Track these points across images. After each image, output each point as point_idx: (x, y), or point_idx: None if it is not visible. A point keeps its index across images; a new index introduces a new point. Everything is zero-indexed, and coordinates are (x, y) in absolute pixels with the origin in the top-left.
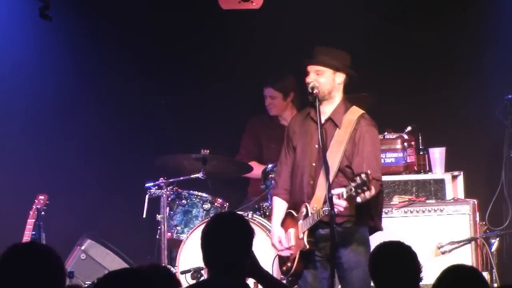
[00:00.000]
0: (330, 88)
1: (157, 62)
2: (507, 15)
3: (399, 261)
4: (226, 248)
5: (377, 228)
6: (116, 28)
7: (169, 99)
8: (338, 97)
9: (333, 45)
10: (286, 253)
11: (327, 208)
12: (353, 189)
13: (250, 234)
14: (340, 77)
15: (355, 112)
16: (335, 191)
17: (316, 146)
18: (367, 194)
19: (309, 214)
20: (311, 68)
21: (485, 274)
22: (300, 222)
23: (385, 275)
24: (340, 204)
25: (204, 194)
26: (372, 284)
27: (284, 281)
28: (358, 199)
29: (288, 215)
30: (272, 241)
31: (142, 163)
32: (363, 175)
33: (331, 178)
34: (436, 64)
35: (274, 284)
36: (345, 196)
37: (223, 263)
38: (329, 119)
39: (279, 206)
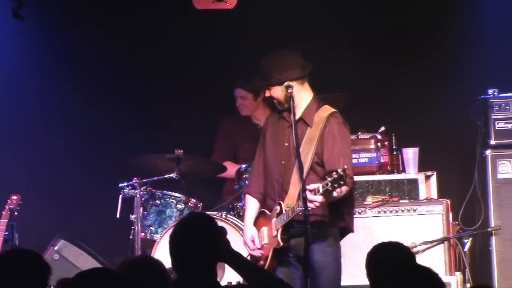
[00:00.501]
0: (285, 97)
1: (130, 62)
2: (481, 16)
3: (398, 261)
4: (193, 252)
5: (348, 229)
6: (90, 28)
7: (142, 99)
8: (306, 97)
9: (307, 45)
10: (257, 253)
11: (300, 208)
12: (330, 183)
13: (218, 234)
14: (287, 83)
15: (326, 110)
16: (311, 186)
17: (286, 144)
18: (344, 189)
19: (283, 212)
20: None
21: (458, 274)
22: (274, 219)
23: (383, 275)
24: (316, 200)
25: (178, 194)
26: (342, 282)
27: None
28: (334, 194)
29: (260, 214)
30: (244, 240)
31: (116, 163)
32: (339, 170)
33: (304, 175)
34: (409, 65)
35: (248, 267)
36: (321, 191)
37: (190, 267)
38: (300, 119)
39: (252, 204)
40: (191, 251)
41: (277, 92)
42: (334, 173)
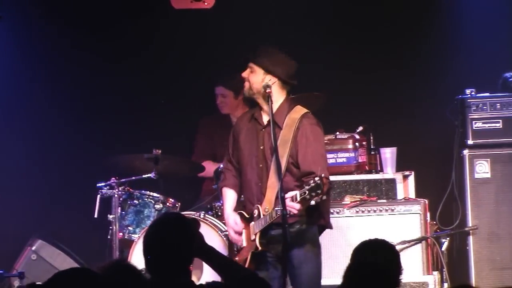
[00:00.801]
0: (258, 87)
1: (109, 61)
2: (460, 17)
3: (382, 258)
4: (166, 253)
5: (327, 226)
6: (65, 28)
7: (121, 98)
8: (279, 98)
9: (285, 45)
10: (240, 238)
11: (279, 208)
12: (307, 192)
13: (191, 234)
14: (272, 79)
15: (298, 111)
16: (289, 194)
17: (262, 147)
18: (321, 198)
19: (261, 216)
20: (248, 66)
21: (436, 274)
22: (252, 223)
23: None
24: (294, 207)
25: (156, 194)
26: (322, 281)
27: None
28: (312, 203)
29: (239, 215)
30: (227, 224)
31: (94, 163)
32: (317, 179)
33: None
34: (387, 64)
35: (222, 261)
36: (298, 199)
37: (164, 267)
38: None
39: (230, 195)
40: (164, 252)
41: (257, 77)
42: (312, 181)
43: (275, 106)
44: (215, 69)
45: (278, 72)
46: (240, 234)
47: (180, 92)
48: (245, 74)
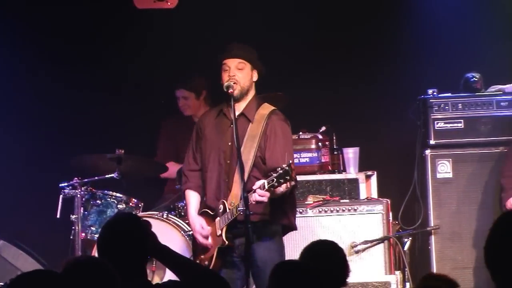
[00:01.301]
0: (249, 84)
1: (71, 61)
2: (421, 17)
3: (329, 260)
4: (121, 254)
5: (291, 226)
6: (26, 27)
7: (83, 98)
8: (251, 94)
9: (250, 44)
10: (208, 242)
11: (242, 208)
12: (275, 179)
13: (144, 234)
14: (255, 75)
15: (267, 107)
16: (256, 183)
17: (230, 143)
18: (290, 184)
19: (227, 210)
20: (232, 63)
21: (398, 273)
22: (218, 219)
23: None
24: (264, 195)
25: (119, 194)
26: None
27: None
28: (281, 189)
29: (203, 214)
30: (194, 229)
31: (57, 163)
32: (284, 165)
33: (246, 173)
34: (349, 64)
35: (178, 260)
36: (266, 187)
37: (119, 269)
38: (242, 114)
39: (193, 197)
40: (118, 253)
41: (247, 74)
42: (279, 168)
43: (245, 103)
44: (178, 69)
45: (260, 67)
46: (207, 238)
47: (143, 92)
48: (231, 73)
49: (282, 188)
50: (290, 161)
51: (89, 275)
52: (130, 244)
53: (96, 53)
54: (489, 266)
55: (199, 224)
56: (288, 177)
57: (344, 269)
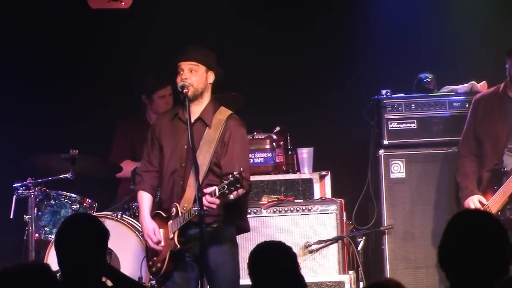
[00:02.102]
0: (203, 86)
1: (24, 61)
2: (375, 17)
3: (278, 260)
4: (78, 254)
5: (244, 228)
6: None
7: (37, 97)
8: (207, 97)
9: (203, 45)
10: (159, 247)
11: (196, 208)
12: (226, 186)
13: (103, 236)
14: (211, 77)
15: (224, 112)
16: (208, 189)
17: (185, 146)
18: (240, 192)
19: (179, 214)
20: (185, 65)
21: (351, 273)
22: (170, 222)
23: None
24: (214, 202)
25: (73, 195)
26: (241, 283)
27: (154, 282)
28: (231, 197)
29: (156, 216)
30: (146, 233)
31: (10, 163)
32: (235, 173)
33: (201, 177)
34: (304, 64)
35: (124, 279)
36: (217, 194)
37: (75, 269)
38: (199, 118)
39: (146, 199)
40: (75, 252)
41: (201, 76)
42: (230, 175)
43: (202, 106)
44: (133, 70)
45: (216, 69)
46: (158, 243)
47: (98, 92)
48: (184, 76)
49: (233, 196)
50: (242, 169)
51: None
52: (86, 241)
53: (50, 53)
54: (443, 265)
55: (152, 229)
56: (238, 185)
57: (294, 267)
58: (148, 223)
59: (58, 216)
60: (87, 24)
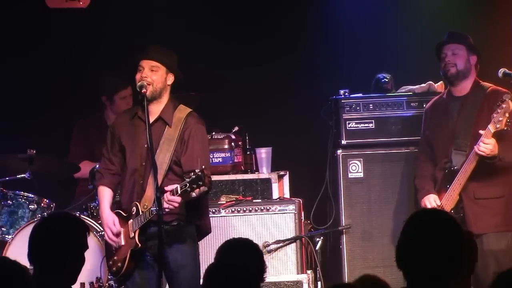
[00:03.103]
0: (162, 86)
1: None
2: (334, 18)
3: (245, 257)
4: (63, 250)
5: (205, 228)
6: None
7: None
8: (166, 96)
9: (162, 45)
10: (117, 239)
11: (155, 208)
12: (188, 184)
13: (85, 232)
14: (171, 78)
15: (183, 110)
16: (169, 187)
17: (146, 146)
18: (202, 189)
19: (140, 213)
20: (146, 64)
21: (310, 272)
22: (131, 221)
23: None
24: (175, 200)
25: (30, 195)
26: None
27: (112, 282)
28: (193, 195)
29: (116, 215)
30: (105, 224)
31: None
32: (197, 171)
33: (161, 176)
34: (262, 64)
35: None
36: (179, 192)
37: (58, 265)
38: (159, 118)
39: (107, 194)
40: (63, 248)
41: (161, 76)
42: (192, 173)
43: (161, 106)
44: (89, 69)
45: (176, 71)
46: (118, 235)
47: (56, 92)
48: (144, 74)
49: (195, 194)
50: (204, 166)
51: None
52: (65, 239)
53: (7, 52)
54: (400, 265)
55: (111, 220)
56: (200, 183)
57: (261, 265)
58: (108, 215)
59: (15, 216)
60: (44, 22)
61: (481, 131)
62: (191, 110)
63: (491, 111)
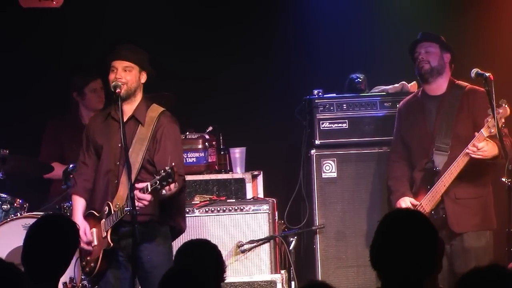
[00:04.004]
0: (136, 85)
1: None
2: (307, 18)
3: (203, 259)
4: (49, 258)
5: (179, 228)
6: None
7: None
8: (139, 95)
9: (137, 44)
10: (89, 247)
11: (128, 208)
12: (158, 182)
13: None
14: (144, 76)
15: (156, 109)
16: (139, 185)
17: (119, 145)
18: (172, 187)
19: (112, 212)
20: (119, 64)
21: (283, 272)
22: (103, 221)
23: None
24: (145, 198)
25: (3, 195)
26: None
27: (86, 282)
28: (164, 192)
29: (89, 216)
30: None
31: None
32: (167, 168)
33: (134, 175)
34: (236, 64)
35: None
36: (149, 189)
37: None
38: (132, 117)
39: (79, 203)
40: (49, 256)
41: (135, 76)
42: (162, 171)
43: (134, 105)
44: (65, 69)
45: (149, 69)
46: (90, 243)
47: (28, 91)
48: (117, 75)
49: (165, 191)
50: (173, 164)
51: None
52: (58, 250)
53: None
54: (374, 265)
55: (82, 229)
56: (170, 180)
57: (219, 265)
58: (80, 224)
59: None
60: (17, 22)
61: (475, 134)
62: (164, 109)
63: (471, 110)
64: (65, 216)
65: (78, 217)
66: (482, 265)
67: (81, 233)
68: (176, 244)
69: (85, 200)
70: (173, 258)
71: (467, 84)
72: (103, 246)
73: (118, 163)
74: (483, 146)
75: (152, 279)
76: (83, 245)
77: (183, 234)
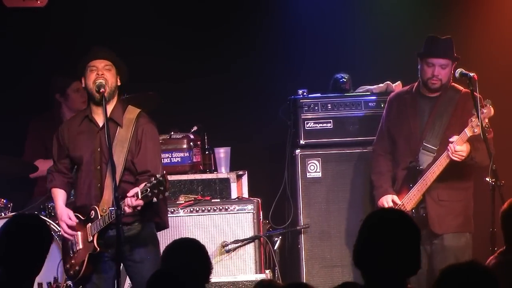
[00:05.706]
0: (115, 86)
1: None
2: (293, 18)
3: (190, 259)
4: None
5: (163, 224)
6: None
7: None
8: (115, 98)
9: (121, 45)
10: (73, 232)
11: (113, 208)
12: (149, 189)
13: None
14: (118, 80)
15: (133, 111)
16: (130, 192)
17: (98, 149)
18: (163, 195)
19: (99, 217)
20: (99, 64)
21: (268, 272)
22: (89, 225)
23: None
24: (138, 204)
25: None
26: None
27: (70, 282)
28: (154, 200)
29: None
30: (60, 218)
31: None
32: (158, 176)
33: (118, 177)
34: (221, 64)
35: None
36: (140, 196)
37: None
38: (110, 119)
39: (60, 193)
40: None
41: (113, 74)
42: (153, 178)
43: (111, 107)
44: (50, 68)
45: (125, 71)
46: (73, 229)
47: (11, 91)
48: (101, 71)
49: (156, 199)
50: (164, 172)
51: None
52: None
53: None
54: (358, 264)
55: (66, 214)
56: (162, 188)
57: (206, 265)
58: (63, 209)
59: None
60: (1, 22)
61: (454, 137)
62: (140, 110)
63: (465, 115)
64: (34, 214)
65: (60, 205)
66: (461, 262)
67: (65, 217)
68: (163, 244)
69: (65, 192)
70: (160, 256)
71: (462, 88)
72: (89, 250)
73: (99, 166)
74: (462, 149)
75: (141, 270)
76: (67, 229)
77: (168, 234)
